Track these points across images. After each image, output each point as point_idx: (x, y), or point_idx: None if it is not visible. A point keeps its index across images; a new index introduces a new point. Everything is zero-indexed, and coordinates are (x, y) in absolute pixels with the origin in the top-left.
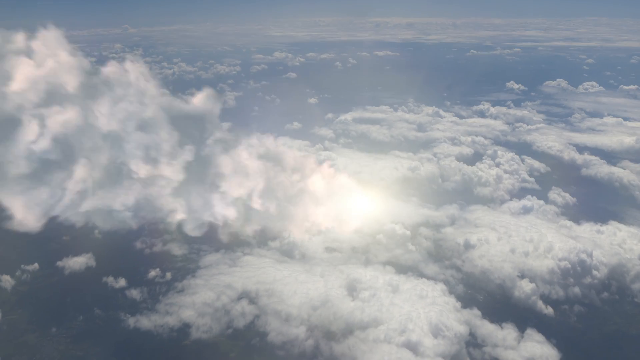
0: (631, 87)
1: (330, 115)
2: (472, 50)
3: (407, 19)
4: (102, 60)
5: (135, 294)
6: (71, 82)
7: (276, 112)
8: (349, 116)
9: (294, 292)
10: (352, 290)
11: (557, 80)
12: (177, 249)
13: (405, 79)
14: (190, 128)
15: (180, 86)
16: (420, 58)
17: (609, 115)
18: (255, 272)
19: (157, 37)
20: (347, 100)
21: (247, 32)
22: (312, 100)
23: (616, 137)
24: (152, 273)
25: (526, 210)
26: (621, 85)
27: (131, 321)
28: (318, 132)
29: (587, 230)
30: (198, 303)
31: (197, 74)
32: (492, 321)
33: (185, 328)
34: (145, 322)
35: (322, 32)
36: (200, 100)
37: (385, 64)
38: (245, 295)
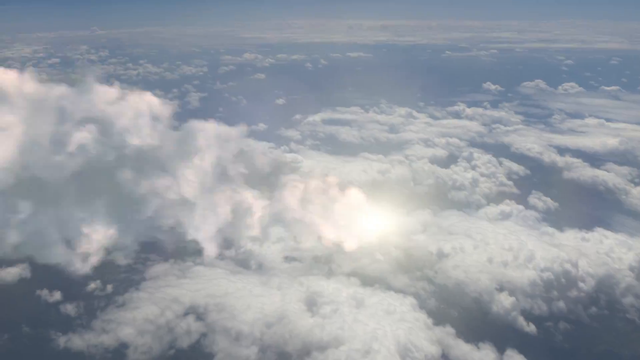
0: (612, 87)
1: (298, 117)
2: (447, 52)
3: (381, 21)
4: (66, 62)
5: (70, 309)
6: None
7: (242, 113)
8: (317, 117)
9: (247, 307)
10: (311, 304)
11: (535, 81)
12: (121, 259)
13: (378, 80)
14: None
15: (143, 87)
16: (394, 59)
17: (590, 116)
18: (206, 284)
19: (125, 38)
20: (317, 102)
21: (217, 34)
22: (280, 101)
23: (599, 139)
24: (92, 285)
25: (505, 216)
26: (602, 86)
27: (62, 340)
28: (284, 133)
29: (571, 237)
30: (139, 319)
31: (162, 74)
32: (467, 340)
33: (121, 348)
34: (77, 341)
35: (294, 34)
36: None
37: (358, 65)
38: (192, 311)
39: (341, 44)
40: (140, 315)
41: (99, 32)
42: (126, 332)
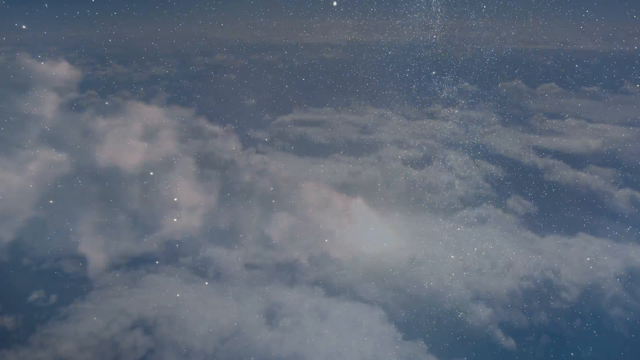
0: (593, 88)
1: (267, 117)
2: (423, 51)
3: (356, 21)
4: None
5: (8, 321)
6: None
7: (210, 113)
8: (287, 118)
9: (201, 320)
10: (271, 317)
11: (514, 81)
12: (69, 266)
13: (352, 80)
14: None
15: (110, 88)
16: (368, 59)
17: (570, 117)
18: (157, 295)
19: (96, 38)
20: (288, 102)
21: (189, 35)
22: (250, 102)
23: (580, 140)
24: (34, 295)
25: (481, 220)
26: (582, 87)
27: None
28: (253, 134)
29: (552, 243)
30: (81, 333)
31: (130, 75)
32: (440, 356)
33: None
34: (12, 358)
35: (268, 34)
36: None
37: (332, 66)
38: (140, 324)
39: (315, 44)
40: (83, 329)
41: (69, 33)
42: (66, 348)
